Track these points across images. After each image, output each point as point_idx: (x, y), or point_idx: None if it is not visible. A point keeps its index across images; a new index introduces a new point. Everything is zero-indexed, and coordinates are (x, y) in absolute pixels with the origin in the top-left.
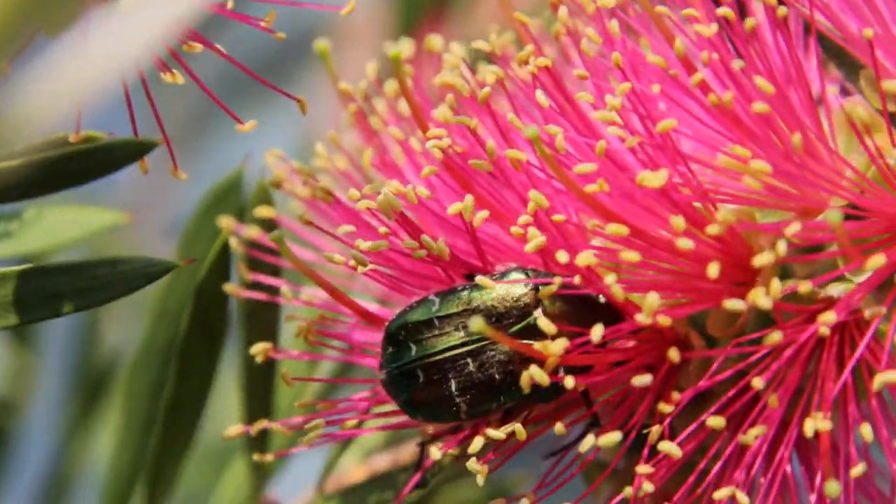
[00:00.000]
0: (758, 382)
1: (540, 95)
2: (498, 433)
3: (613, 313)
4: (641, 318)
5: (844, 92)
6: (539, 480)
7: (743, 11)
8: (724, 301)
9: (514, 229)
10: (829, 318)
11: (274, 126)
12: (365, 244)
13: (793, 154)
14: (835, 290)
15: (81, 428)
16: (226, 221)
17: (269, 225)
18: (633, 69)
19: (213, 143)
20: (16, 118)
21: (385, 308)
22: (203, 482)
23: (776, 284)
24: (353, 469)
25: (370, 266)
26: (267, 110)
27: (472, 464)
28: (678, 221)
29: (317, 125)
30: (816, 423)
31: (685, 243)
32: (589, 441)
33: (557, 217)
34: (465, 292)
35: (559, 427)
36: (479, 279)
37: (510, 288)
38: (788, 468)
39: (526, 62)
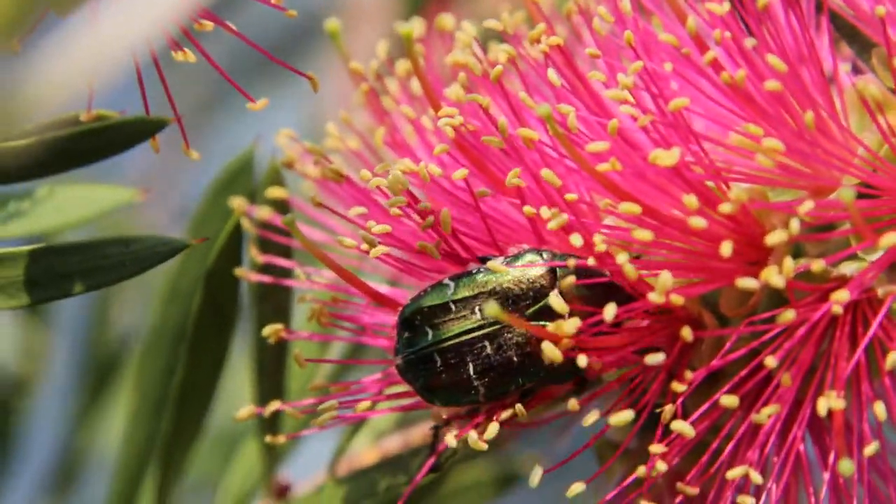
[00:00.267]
0: (771, 361)
1: (552, 74)
2: (508, 413)
3: (628, 293)
4: (654, 298)
5: (856, 70)
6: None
7: None
8: (737, 280)
9: (526, 209)
10: (842, 296)
11: (286, 107)
12: (376, 227)
13: (805, 132)
14: (848, 268)
15: (93, 409)
16: (237, 202)
17: (280, 205)
18: (645, 48)
19: (225, 124)
20: (27, 97)
21: (396, 289)
22: (215, 464)
23: (789, 263)
24: (365, 452)
25: (381, 248)
26: (279, 91)
27: (473, 439)
28: (691, 200)
29: (328, 105)
30: (830, 402)
31: (698, 222)
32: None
33: (570, 196)
34: (481, 275)
35: (573, 403)
36: (492, 264)
37: (525, 270)
38: (801, 447)
39: (538, 41)
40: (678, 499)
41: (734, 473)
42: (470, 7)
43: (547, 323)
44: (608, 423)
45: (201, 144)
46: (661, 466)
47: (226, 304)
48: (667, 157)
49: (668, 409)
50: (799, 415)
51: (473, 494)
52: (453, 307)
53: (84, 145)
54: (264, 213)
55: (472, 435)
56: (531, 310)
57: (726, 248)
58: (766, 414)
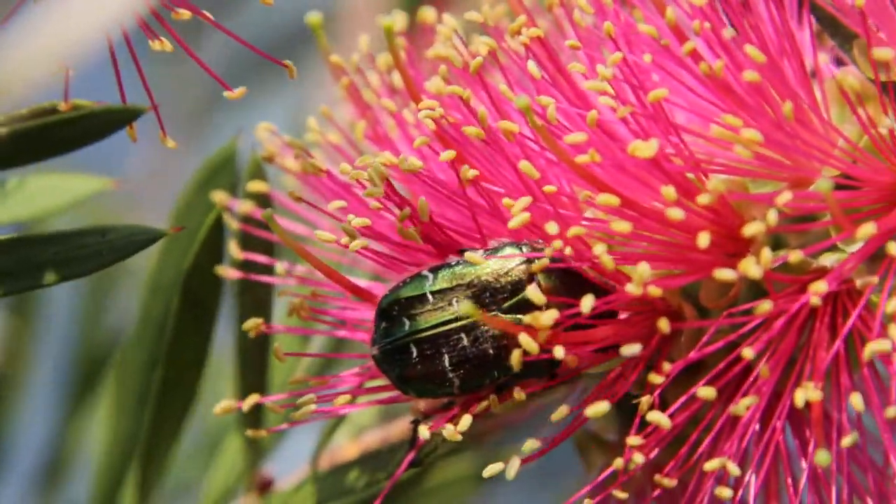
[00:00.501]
0: (749, 353)
1: (532, 66)
2: (483, 405)
3: (607, 287)
4: (632, 289)
5: (837, 62)
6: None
7: None
8: (716, 271)
9: (506, 201)
10: (820, 287)
11: (272, 108)
12: (356, 219)
13: (784, 123)
14: (827, 259)
15: (81, 404)
16: (219, 196)
17: (262, 199)
18: (626, 39)
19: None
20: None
21: (376, 283)
22: (198, 460)
23: (767, 254)
24: (346, 446)
25: (361, 241)
26: (266, 93)
27: (448, 431)
28: (669, 191)
29: (315, 103)
30: (808, 393)
31: (676, 213)
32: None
33: (549, 188)
34: (459, 267)
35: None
36: (469, 255)
37: (504, 262)
38: (781, 438)
39: (518, 33)
40: (657, 491)
41: (713, 465)
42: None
43: (523, 317)
44: (585, 415)
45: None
46: (639, 458)
47: (207, 298)
48: (646, 149)
49: (646, 400)
50: (778, 406)
51: (455, 489)
52: (431, 298)
53: (60, 134)
54: (246, 207)
55: (448, 427)
56: (509, 303)
57: (704, 240)
58: (745, 405)
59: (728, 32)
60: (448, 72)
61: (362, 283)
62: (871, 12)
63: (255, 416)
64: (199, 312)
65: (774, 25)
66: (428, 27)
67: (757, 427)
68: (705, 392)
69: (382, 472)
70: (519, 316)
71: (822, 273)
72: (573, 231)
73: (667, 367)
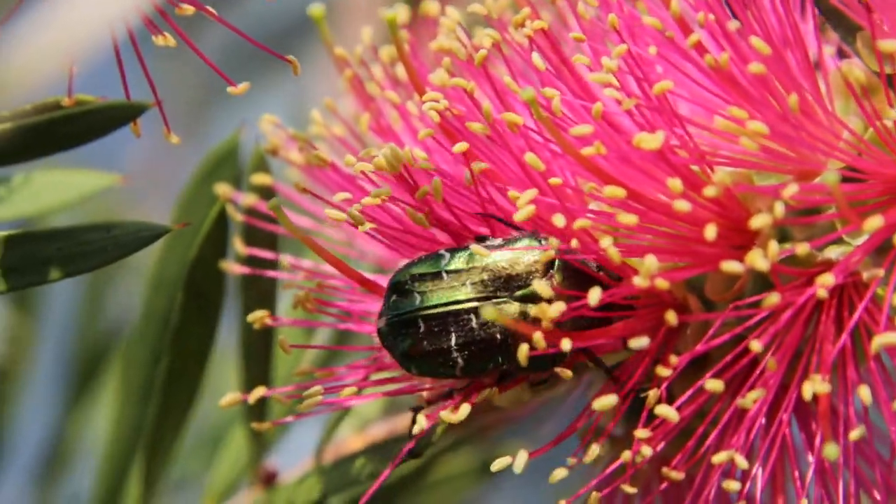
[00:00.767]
0: (756, 346)
1: (536, 58)
2: (484, 394)
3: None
4: (639, 282)
5: (842, 54)
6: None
7: None
8: (722, 264)
9: (510, 193)
10: (827, 280)
11: (274, 99)
12: (366, 199)
13: (790, 116)
14: (833, 252)
15: (82, 397)
16: (222, 189)
17: (266, 192)
18: (630, 31)
19: (221, 118)
20: (5, 79)
21: (382, 276)
22: (202, 452)
23: (774, 247)
24: (351, 438)
25: (370, 225)
26: (268, 84)
27: (446, 414)
28: (675, 184)
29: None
30: (815, 386)
31: (682, 205)
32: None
33: (555, 180)
34: (476, 251)
35: (566, 373)
36: (475, 248)
37: (521, 253)
38: (787, 431)
39: (522, 25)
40: (664, 484)
41: (720, 458)
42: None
43: (532, 306)
44: (592, 408)
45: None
46: (647, 451)
47: (211, 291)
48: (651, 141)
49: (653, 393)
50: (785, 399)
51: (460, 483)
52: (445, 276)
53: (64, 130)
54: (249, 199)
55: (447, 413)
56: (522, 291)
57: (710, 232)
58: (752, 398)
59: (733, 24)
60: (452, 64)
61: (368, 275)
62: (876, 5)
63: (259, 409)
64: (204, 305)
65: (778, 17)
66: (429, 19)
67: (763, 420)
68: (712, 385)
69: (387, 465)
70: (529, 305)
71: (828, 266)
72: (579, 223)
73: (674, 359)
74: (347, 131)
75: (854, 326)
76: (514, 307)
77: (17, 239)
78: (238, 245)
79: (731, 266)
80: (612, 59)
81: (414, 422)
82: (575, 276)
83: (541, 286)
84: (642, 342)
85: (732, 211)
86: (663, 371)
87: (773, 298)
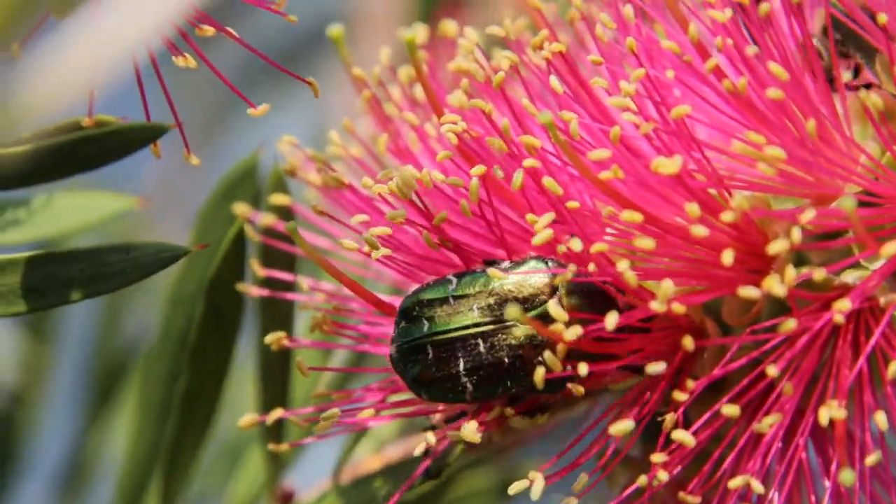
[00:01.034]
0: (773, 370)
1: (554, 81)
2: (494, 414)
3: (628, 304)
4: (656, 306)
5: (859, 78)
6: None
7: None
8: (739, 288)
9: (529, 216)
10: (844, 305)
11: (291, 116)
12: (377, 229)
13: (807, 140)
14: (850, 277)
15: (99, 417)
16: (240, 209)
17: (284, 212)
18: (648, 55)
19: (234, 134)
20: (27, 102)
21: (398, 297)
22: (219, 472)
23: (791, 272)
24: (368, 459)
25: (383, 251)
26: (285, 100)
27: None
28: (693, 208)
29: (333, 115)
30: (831, 412)
31: (700, 230)
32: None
33: (572, 204)
34: (484, 275)
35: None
36: (491, 270)
37: (529, 276)
38: (804, 456)
39: (540, 47)
40: None
41: (736, 483)
42: (479, 15)
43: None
44: (608, 432)
45: (212, 153)
46: (663, 476)
47: (229, 311)
48: (669, 165)
49: (670, 417)
50: (801, 424)
51: (476, 502)
52: (452, 302)
53: (84, 151)
54: (267, 219)
55: (462, 429)
56: (530, 314)
57: (728, 257)
58: (768, 423)
59: (751, 49)
60: (469, 85)
61: (385, 297)
62: (895, 29)
63: (276, 429)
64: (222, 324)
65: (796, 41)
66: (447, 39)
67: (780, 445)
68: (729, 409)
69: (404, 486)
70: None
71: (845, 290)
72: (596, 247)
73: (691, 384)
74: (365, 152)
75: (871, 351)
76: (521, 330)
77: (39, 260)
78: (255, 266)
79: (748, 291)
80: (630, 82)
81: (426, 441)
82: (586, 298)
83: (555, 309)
84: (659, 367)
85: (750, 235)
86: (680, 395)
87: (789, 324)
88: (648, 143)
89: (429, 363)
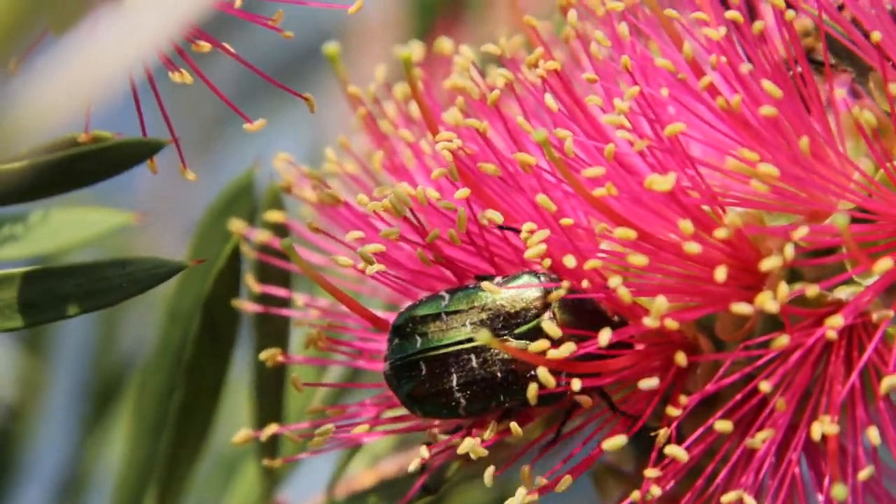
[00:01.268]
0: (765, 386)
1: (549, 99)
2: (490, 432)
3: (621, 321)
4: (649, 322)
5: (853, 95)
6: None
7: (752, 15)
8: (732, 305)
9: (523, 234)
10: (836, 321)
11: (286, 130)
12: (371, 246)
13: (801, 158)
14: (843, 293)
15: (93, 432)
16: (236, 225)
17: (279, 229)
18: (642, 72)
19: (231, 147)
20: (24, 118)
21: (393, 314)
22: (214, 487)
23: (784, 288)
24: (363, 474)
25: (378, 267)
26: (279, 114)
27: (472, 446)
28: (686, 225)
29: (329, 129)
30: (824, 427)
31: (693, 247)
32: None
33: (566, 220)
34: (476, 291)
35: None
36: (485, 284)
37: (521, 291)
38: (797, 471)
39: (535, 65)
40: None
41: (729, 498)
42: (477, 32)
43: (531, 343)
44: (601, 447)
45: (206, 166)
46: (656, 491)
47: (225, 326)
48: (663, 183)
49: (663, 433)
50: (794, 439)
51: None
52: (445, 318)
53: (81, 167)
54: (263, 236)
55: (468, 442)
56: (521, 329)
57: (721, 273)
58: (761, 438)
59: (745, 67)
60: (465, 103)
61: (380, 313)
62: (888, 46)
63: (271, 445)
64: (217, 340)
65: (790, 58)
66: (443, 56)
67: (772, 460)
68: (722, 425)
69: (399, 501)
70: (527, 342)
71: (838, 306)
72: (590, 264)
73: (684, 399)
74: (360, 169)
75: (863, 367)
76: (512, 345)
77: (36, 275)
78: (251, 282)
79: (741, 307)
80: (624, 100)
81: (422, 456)
82: (577, 314)
83: (548, 326)
84: (652, 382)
85: (743, 252)
86: (673, 411)
87: (782, 340)
88: (642, 161)
89: (422, 379)
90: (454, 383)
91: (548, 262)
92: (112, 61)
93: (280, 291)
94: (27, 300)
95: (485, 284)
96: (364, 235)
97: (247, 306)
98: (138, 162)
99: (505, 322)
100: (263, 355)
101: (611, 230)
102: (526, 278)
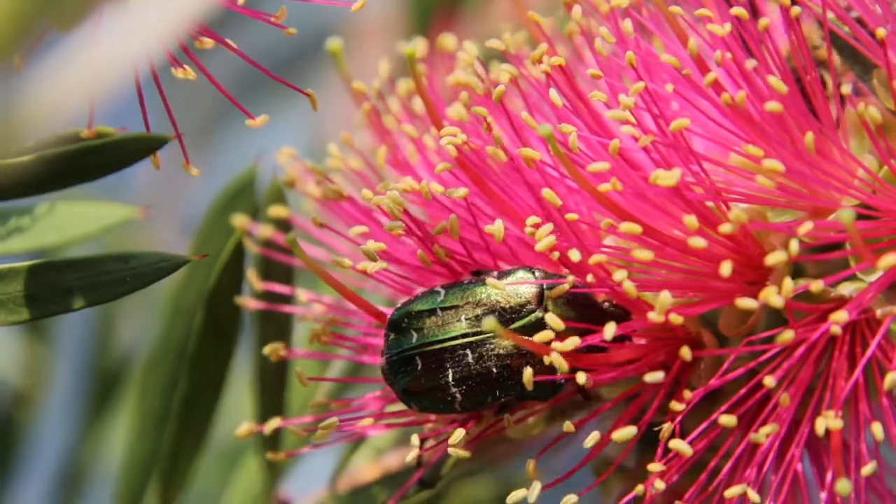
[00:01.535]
0: (769, 381)
1: (554, 94)
2: (481, 426)
3: (617, 316)
4: (654, 317)
5: (857, 92)
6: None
7: (756, 11)
8: (737, 300)
9: (528, 229)
10: (840, 316)
11: (290, 123)
12: (373, 243)
13: (805, 154)
14: (846, 289)
15: (95, 423)
16: (239, 220)
17: (282, 224)
18: (647, 68)
19: (229, 140)
20: (28, 113)
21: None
22: (216, 480)
23: (788, 283)
24: (365, 468)
25: (380, 265)
26: (283, 107)
27: (454, 447)
28: (691, 220)
29: (329, 124)
30: (828, 422)
31: (698, 242)
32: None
33: (571, 216)
34: (472, 286)
35: (567, 425)
36: (489, 280)
37: (516, 286)
38: (799, 466)
39: (539, 61)
40: None
41: (732, 492)
42: (476, 27)
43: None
44: (610, 438)
45: (205, 160)
46: (660, 485)
47: (227, 321)
48: (667, 178)
49: (667, 427)
50: (797, 434)
51: None
52: (440, 313)
53: (85, 162)
54: (266, 231)
55: (453, 438)
56: (516, 324)
57: (726, 269)
58: (765, 433)
59: (750, 63)
60: (469, 98)
61: (383, 308)
62: (892, 44)
63: (273, 438)
64: (220, 334)
65: (795, 54)
66: (445, 52)
67: (776, 455)
68: (726, 419)
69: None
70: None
71: (841, 302)
72: (595, 259)
73: (687, 394)
74: (364, 164)
75: (867, 363)
76: (508, 340)
77: (40, 269)
78: (253, 278)
79: (746, 302)
80: (629, 95)
81: (418, 450)
82: (573, 309)
83: (551, 319)
84: (657, 377)
85: (747, 247)
86: (677, 405)
87: (786, 335)
88: (647, 156)
89: (418, 374)
90: (450, 378)
91: (556, 255)
92: (117, 58)
93: (283, 287)
94: (31, 294)
95: (487, 280)
96: (368, 230)
97: (250, 301)
98: (143, 157)
99: (500, 317)
100: (266, 350)
101: (616, 225)
102: (521, 274)
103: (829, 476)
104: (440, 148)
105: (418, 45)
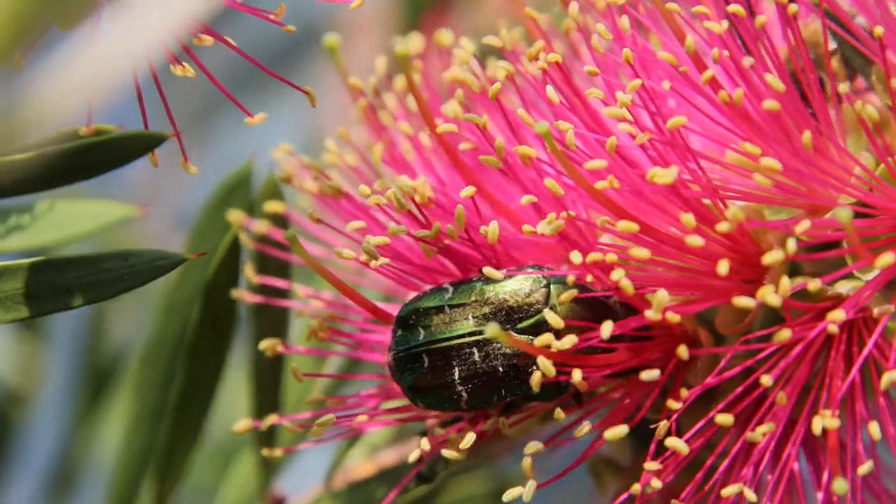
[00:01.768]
0: (766, 380)
1: (550, 91)
2: (490, 423)
3: (624, 312)
4: (651, 315)
5: (855, 89)
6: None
7: (753, 8)
8: (734, 298)
9: (525, 227)
10: (837, 315)
11: (283, 121)
12: (375, 238)
13: (802, 152)
14: (844, 287)
15: (90, 419)
16: (235, 216)
17: (278, 220)
18: (644, 66)
19: (224, 135)
20: (29, 112)
21: (394, 304)
22: (211, 475)
23: (785, 282)
24: (361, 464)
25: (382, 261)
26: (276, 105)
27: (448, 451)
28: (688, 218)
29: (325, 120)
30: (824, 421)
31: (695, 240)
32: (584, 428)
33: (567, 213)
34: (480, 284)
35: (559, 412)
36: (488, 270)
37: (523, 283)
38: (796, 465)
39: (536, 58)
40: None
41: (729, 491)
42: (468, 21)
43: (535, 337)
44: (603, 437)
45: (200, 156)
46: (656, 483)
47: (223, 317)
48: (664, 175)
49: (663, 425)
50: (793, 433)
51: None
52: (448, 311)
53: (84, 160)
54: (262, 227)
55: (453, 438)
56: (524, 323)
57: (723, 267)
58: (761, 432)
59: (747, 61)
60: (465, 95)
61: (380, 304)
62: (890, 42)
63: (269, 434)
64: (217, 330)
65: (792, 52)
66: (441, 47)
67: (772, 454)
68: (722, 418)
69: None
70: (530, 336)
71: (838, 301)
72: (592, 257)
73: (684, 392)
74: (360, 160)
75: (863, 362)
76: (520, 339)
77: (39, 267)
78: (250, 273)
79: (742, 301)
80: (625, 93)
81: (420, 447)
82: (580, 307)
83: (552, 317)
84: (653, 374)
85: (744, 246)
86: (673, 403)
87: (783, 334)
88: (644, 154)
89: (424, 371)
90: (456, 376)
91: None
92: (118, 57)
93: (279, 282)
94: (30, 291)
95: (488, 271)
96: (365, 226)
97: (246, 297)
98: (141, 154)
99: (507, 316)
100: (263, 345)
101: (612, 223)
102: (529, 272)
103: (825, 475)
104: (436, 146)
105: (412, 43)
